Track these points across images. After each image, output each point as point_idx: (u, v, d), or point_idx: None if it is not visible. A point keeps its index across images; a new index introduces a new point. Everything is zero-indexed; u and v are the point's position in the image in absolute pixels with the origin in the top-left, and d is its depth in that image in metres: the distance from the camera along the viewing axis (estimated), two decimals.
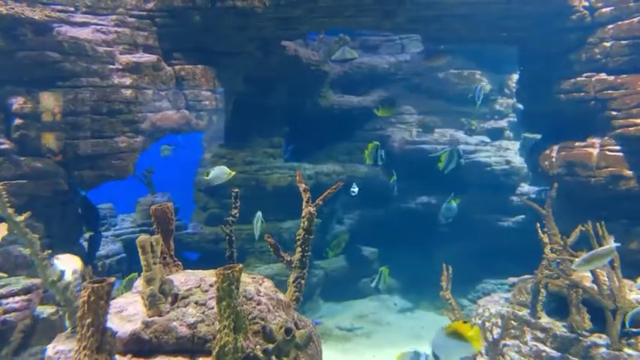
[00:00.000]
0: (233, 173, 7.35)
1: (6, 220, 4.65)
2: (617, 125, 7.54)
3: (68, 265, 5.17)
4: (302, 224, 4.45)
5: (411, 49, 13.42)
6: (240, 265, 3.05)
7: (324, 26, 10.15)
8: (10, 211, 4.60)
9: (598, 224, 5.89)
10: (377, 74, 12.91)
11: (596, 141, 7.89)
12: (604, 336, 5.61)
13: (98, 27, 7.34)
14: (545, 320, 6.23)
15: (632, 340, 5.49)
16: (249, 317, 3.49)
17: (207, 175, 7.27)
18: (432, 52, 12.05)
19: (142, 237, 3.64)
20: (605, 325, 5.56)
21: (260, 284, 4.01)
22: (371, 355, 8.99)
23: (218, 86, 8.48)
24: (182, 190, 12.86)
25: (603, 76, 7.76)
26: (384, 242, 12.01)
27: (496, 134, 12.79)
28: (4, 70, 6.51)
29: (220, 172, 7.21)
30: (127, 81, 7.26)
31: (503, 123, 13.03)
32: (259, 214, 8.27)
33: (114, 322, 3.49)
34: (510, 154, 12.16)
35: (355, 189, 9.61)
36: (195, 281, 3.80)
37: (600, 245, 5.81)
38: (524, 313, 6.48)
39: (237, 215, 4.81)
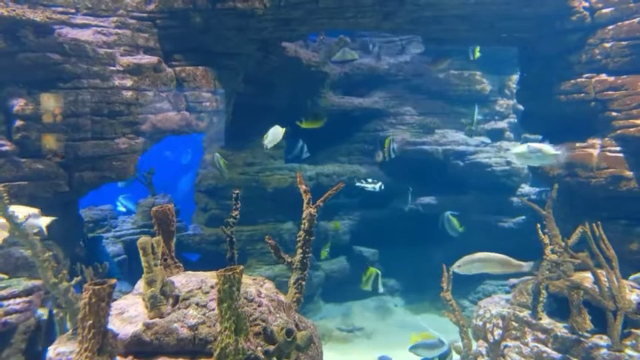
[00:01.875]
0: (284, 130, 7.60)
1: (7, 222, 4.66)
2: (618, 126, 7.54)
3: (23, 212, 5.13)
4: (303, 225, 4.46)
5: (411, 50, 13.44)
6: (241, 267, 3.05)
7: (325, 28, 10.15)
8: (11, 212, 4.61)
9: (595, 225, 5.89)
10: (377, 75, 12.92)
11: (597, 142, 7.90)
12: (605, 337, 5.61)
13: (99, 29, 7.34)
14: (546, 321, 6.23)
15: (634, 341, 5.48)
16: (250, 319, 3.50)
17: (266, 139, 7.50)
18: (433, 54, 12.05)
19: (143, 238, 3.65)
20: (607, 326, 5.57)
21: (261, 286, 4.01)
22: (372, 357, 8.98)
23: (218, 87, 8.48)
24: (178, 190, 12.91)
25: (603, 76, 7.76)
26: (385, 243, 12.01)
27: (496, 135, 12.80)
28: (5, 72, 6.52)
29: (276, 132, 7.62)
30: (128, 82, 7.27)
31: (503, 124, 13.04)
32: (217, 155, 8.37)
33: (115, 324, 3.50)
34: (511, 154, 12.16)
35: (375, 185, 9.44)
36: (196, 283, 3.80)
37: (598, 247, 5.82)
38: (525, 314, 6.49)
39: (238, 217, 4.81)
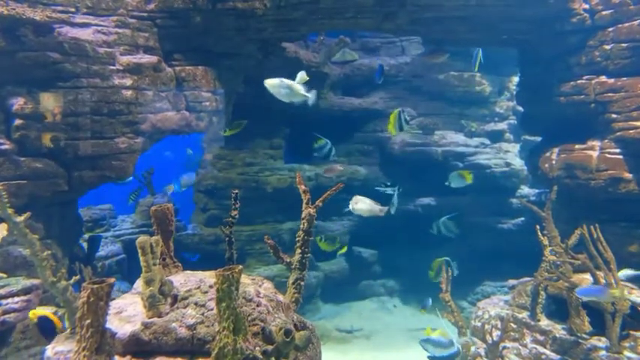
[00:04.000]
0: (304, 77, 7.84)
1: (6, 221, 4.66)
2: (617, 128, 7.54)
3: None
4: (302, 226, 4.45)
5: (411, 51, 13.45)
6: (240, 267, 3.05)
7: (325, 28, 10.16)
8: (10, 211, 4.61)
9: (592, 228, 5.89)
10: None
11: (596, 143, 7.90)
12: (604, 339, 5.61)
13: (99, 28, 7.34)
14: (544, 323, 6.23)
15: (632, 343, 5.49)
16: (249, 319, 3.49)
17: (296, 82, 7.72)
18: (431, 50, 12.05)
19: (142, 238, 3.64)
20: (605, 328, 5.56)
21: (260, 286, 4.01)
22: (371, 357, 8.98)
23: (218, 87, 8.48)
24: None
25: (603, 78, 7.77)
26: (384, 244, 12.01)
27: (496, 136, 12.80)
28: (5, 71, 6.51)
29: (302, 75, 7.75)
30: (128, 82, 7.27)
31: (503, 125, 13.05)
32: None
33: (113, 323, 3.49)
34: (510, 156, 12.17)
35: (394, 188, 9.39)
36: (194, 282, 3.80)
37: (596, 248, 5.82)
38: (523, 315, 6.49)
39: (237, 216, 4.81)
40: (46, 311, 5.22)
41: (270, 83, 6.36)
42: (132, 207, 11.74)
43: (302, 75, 7.86)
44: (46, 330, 5.04)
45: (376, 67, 12.82)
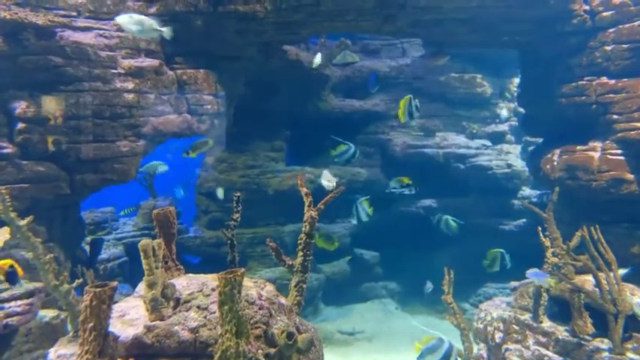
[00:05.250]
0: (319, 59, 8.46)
1: (9, 224, 4.67)
2: (619, 129, 7.54)
3: None
4: (303, 228, 4.45)
5: (412, 53, 13.46)
6: (242, 269, 3.05)
7: (325, 30, 10.18)
8: (13, 215, 4.62)
9: (593, 229, 5.88)
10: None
11: (598, 145, 7.90)
12: (606, 340, 5.59)
13: (101, 32, 7.37)
14: (547, 324, 6.21)
15: (635, 345, 5.47)
16: (251, 321, 3.49)
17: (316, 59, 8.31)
18: (432, 52, 12.07)
19: (144, 241, 3.64)
20: (608, 329, 5.55)
21: (262, 288, 4.01)
22: (372, 359, 8.98)
23: (220, 90, 8.50)
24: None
25: (604, 79, 7.77)
26: (386, 246, 12.00)
27: (497, 138, 12.80)
28: (7, 75, 6.54)
29: (318, 57, 8.50)
30: (129, 85, 7.29)
31: (504, 127, 13.05)
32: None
33: (116, 327, 3.49)
34: (511, 157, 12.17)
35: (410, 189, 9.35)
36: (197, 285, 3.80)
37: (597, 250, 5.80)
38: (526, 317, 6.47)
39: (239, 219, 4.82)
40: (9, 260, 5.64)
41: (121, 19, 6.09)
42: (128, 215, 11.74)
43: (318, 57, 7.90)
44: (10, 278, 5.56)
45: (377, 70, 12.85)
